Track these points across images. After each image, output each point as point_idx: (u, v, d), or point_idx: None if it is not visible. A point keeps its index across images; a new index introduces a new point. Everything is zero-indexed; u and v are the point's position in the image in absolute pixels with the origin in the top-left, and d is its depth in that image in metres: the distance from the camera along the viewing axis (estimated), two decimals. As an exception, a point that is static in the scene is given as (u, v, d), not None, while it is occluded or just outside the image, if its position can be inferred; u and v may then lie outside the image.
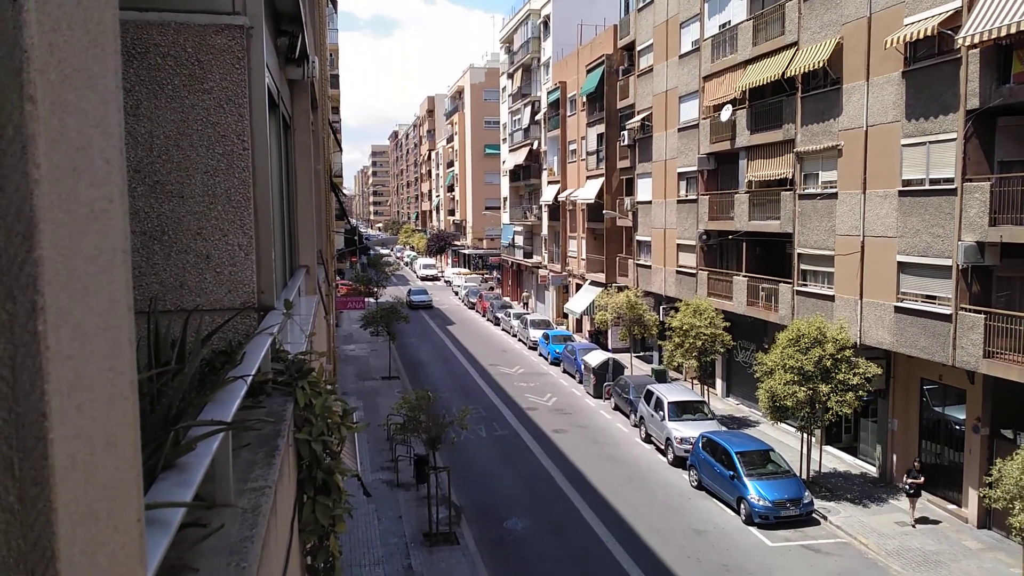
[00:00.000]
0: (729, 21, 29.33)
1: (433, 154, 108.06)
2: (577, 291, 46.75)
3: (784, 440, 25.86)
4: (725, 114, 28.72)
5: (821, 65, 23.17)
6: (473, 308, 61.77)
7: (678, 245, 33.89)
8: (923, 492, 19.81)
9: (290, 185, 8.02)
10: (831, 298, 23.66)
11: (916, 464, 19.93)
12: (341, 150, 46.44)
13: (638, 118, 37.25)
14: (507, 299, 61.63)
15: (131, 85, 4.17)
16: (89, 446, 1.11)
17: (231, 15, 4.38)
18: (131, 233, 4.24)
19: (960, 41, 17.52)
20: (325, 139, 15.26)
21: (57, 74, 1.03)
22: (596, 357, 34.16)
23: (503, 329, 51.30)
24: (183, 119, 4.29)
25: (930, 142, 19.57)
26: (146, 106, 4.22)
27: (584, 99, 44.72)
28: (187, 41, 4.27)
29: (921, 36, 19.06)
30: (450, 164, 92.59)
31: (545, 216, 53.91)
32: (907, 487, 19.76)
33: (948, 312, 18.85)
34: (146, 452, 2.23)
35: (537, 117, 55.80)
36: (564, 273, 50.10)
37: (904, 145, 20.49)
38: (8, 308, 0.97)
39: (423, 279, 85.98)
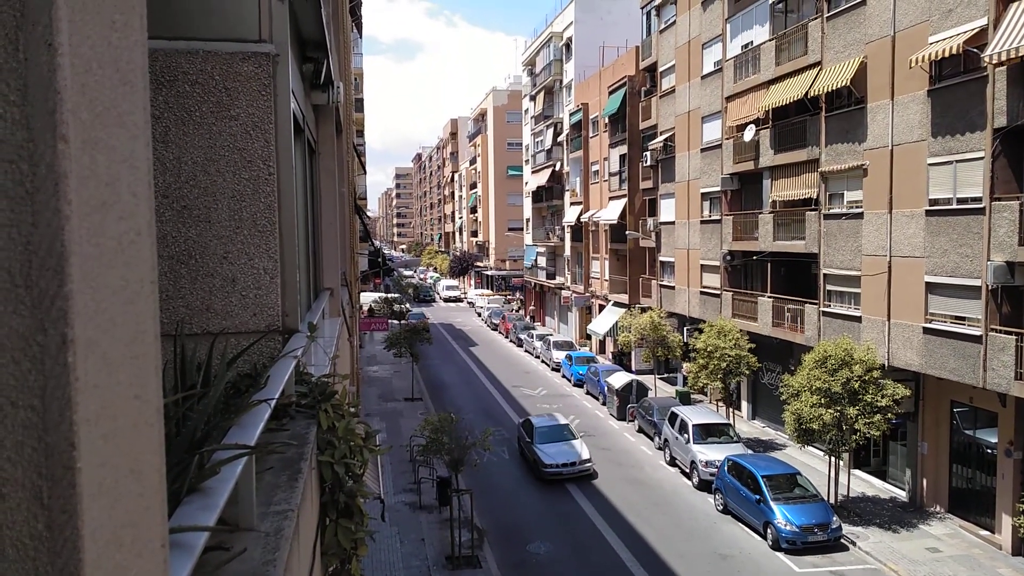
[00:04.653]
0: (751, 41, 29.32)
1: (456, 176, 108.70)
2: (600, 312, 46.62)
3: (811, 464, 25.49)
4: (748, 134, 28.64)
5: (845, 84, 23.06)
6: (496, 329, 61.77)
7: (702, 265, 33.73)
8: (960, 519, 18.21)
9: (315, 208, 8.11)
10: (858, 319, 23.38)
11: None
12: (365, 172, 46.88)
13: (660, 139, 37.27)
14: (529, 320, 61.52)
15: (160, 112, 4.26)
16: (115, 474, 1.13)
17: (258, 43, 4.47)
18: (158, 257, 4.32)
19: (987, 59, 17.37)
20: (349, 162, 15.43)
21: (89, 113, 1.07)
22: (619, 379, 33.96)
23: (526, 350, 51.18)
24: (210, 145, 4.36)
25: (957, 161, 19.36)
26: (174, 133, 4.30)
27: (606, 120, 44.85)
28: (215, 69, 4.35)
29: (946, 54, 18.93)
30: (473, 186, 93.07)
31: (568, 237, 53.93)
32: None
33: (978, 333, 18.54)
34: (171, 476, 2.26)
35: (560, 138, 55.99)
36: (587, 294, 50.00)
37: (930, 164, 20.28)
38: (39, 340, 0.99)
39: (446, 300, 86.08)
